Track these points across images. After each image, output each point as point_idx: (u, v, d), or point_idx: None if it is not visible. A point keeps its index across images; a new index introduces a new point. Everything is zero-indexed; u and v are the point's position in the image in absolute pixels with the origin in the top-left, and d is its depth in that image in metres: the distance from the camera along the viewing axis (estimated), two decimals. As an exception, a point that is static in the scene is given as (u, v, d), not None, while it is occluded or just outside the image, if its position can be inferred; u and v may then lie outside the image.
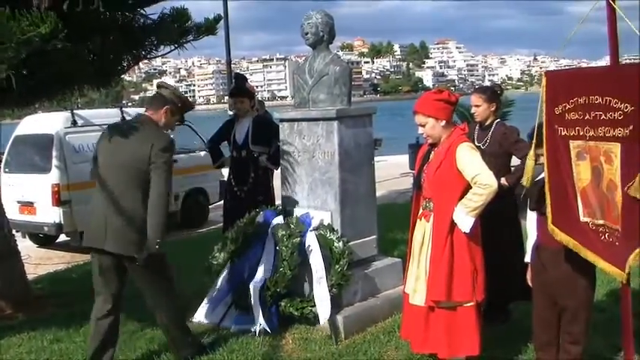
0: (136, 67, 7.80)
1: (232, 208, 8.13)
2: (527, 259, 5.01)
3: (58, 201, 11.14)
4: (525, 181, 4.57)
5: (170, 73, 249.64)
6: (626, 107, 3.79)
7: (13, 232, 8.39)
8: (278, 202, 7.55)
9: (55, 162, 11.29)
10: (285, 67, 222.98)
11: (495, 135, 6.29)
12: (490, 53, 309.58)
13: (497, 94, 6.53)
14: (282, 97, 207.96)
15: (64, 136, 11.37)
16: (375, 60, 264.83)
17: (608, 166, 3.97)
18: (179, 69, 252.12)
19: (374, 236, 6.91)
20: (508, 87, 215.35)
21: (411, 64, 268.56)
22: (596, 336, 5.43)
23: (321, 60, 6.78)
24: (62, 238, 11.98)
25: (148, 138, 5.22)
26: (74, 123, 11.65)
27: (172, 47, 7.21)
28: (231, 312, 6.62)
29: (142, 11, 7.21)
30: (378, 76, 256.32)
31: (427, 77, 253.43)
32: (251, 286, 6.32)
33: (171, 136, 5.49)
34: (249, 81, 9.32)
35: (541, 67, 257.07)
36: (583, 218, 4.20)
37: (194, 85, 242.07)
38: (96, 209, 5.45)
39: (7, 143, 12.40)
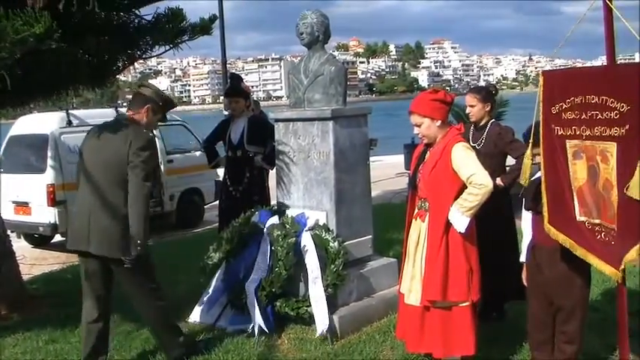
0: (131, 67, 7.78)
1: (228, 208, 8.13)
2: (523, 258, 5.02)
3: (53, 201, 11.13)
4: (523, 180, 4.58)
5: (165, 73, 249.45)
6: (623, 107, 3.80)
7: (8, 232, 8.37)
8: (273, 202, 7.55)
9: (50, 162, 11.28)
10: (281, 67, 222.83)
11: (490, 135, 6.29)
12: (485, 53, 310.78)
13: (491, 94, 6.54)
14: (278, 97, 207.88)
15: (59, 136, 11.35)
16: (370, 60, 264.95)
17: (604, 165, 3.98)
18: (174, 69, 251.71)
19: (369, 236, 6.90)
20: (503, 87, 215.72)
21: (406, 64, 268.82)
22: (591, 335, 5.44)
23: (316, 60, 6.78)
24: (57, 238, 11.94)
25: (126, 136, 5.19)
26: (69, 123, 11.64)
27: (167, 47, 7.20)
28: (226, 312, 6.61)
29: (137, 12, 7.20)
30: (373, 76, 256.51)
31: (422, 77, 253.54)
32: (246, 286, 6.32)
33: (151, 134, 5.44)
34: (244, 81, 9.31)
35: (536, 67, 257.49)
36: (579, 217, 4.21)
37: (189, 85, 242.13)
38: (79, 210, 5.44)
39: (2, 143, 12.39)
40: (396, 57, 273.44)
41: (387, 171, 19.88)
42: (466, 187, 4.75)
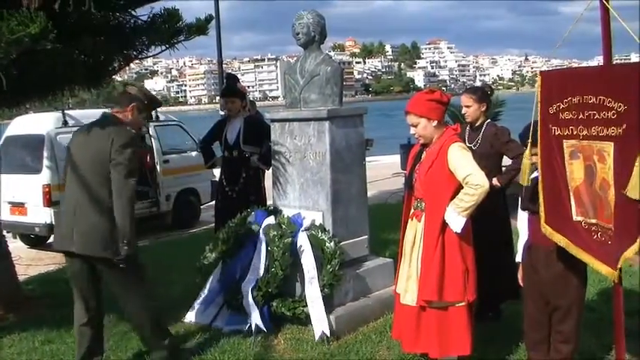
0: (127, 68, 7.77)
1: (224, 208, 8.12)
2: (518, 258, 5.02)
3: (49, 201, 11.12)
4: (523, 180, 4.58)
5: (161, 73, 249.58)
6: (620, 106, 3.80)
7: (4, 232, 8.36)
8: (270, 202, 7.54)
9: (46, 162, 11.28)
10: (277, 67, 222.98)
11: (486, 135, 6.29)
12: (481, 53, 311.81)
13: (487, 95, 6.54)
14: (274, 98, 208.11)
15: (55, 137, 11.34)
16: (366, 60, 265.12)
17: (601, 165, 3.98)
18: (170, 69, 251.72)
19: (365, 236, 6.91)
20: (499, 87, 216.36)
21: (402, 64, 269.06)
22: (586, 335, 5.46)
23: (312, 60, 6.78)
24: (53, 238, 11.92)
25: (109, 134, 5.15)
26: (65, 123, 11.63)
27: (164, 47, 7.19)
28: (222, 312, 6.61)
29: (133, 12, 7.19)
30: (369, 77, 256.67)
31: (419, 77, 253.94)
32: (243, 287, 6.32)
33: (134, 132, 5.41)
34: (240, 81, 9.31)
35: (532, 68, 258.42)
36: (576, 217, 4.22)
37: (185, 86, 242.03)
38: (65, 209, 5.42)
39: (-2, 143, 12.37)
40: (392, 57, 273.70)
41: (383, 171, 19.88)
42: (462, 188, 4.75)
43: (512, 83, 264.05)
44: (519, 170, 6.11)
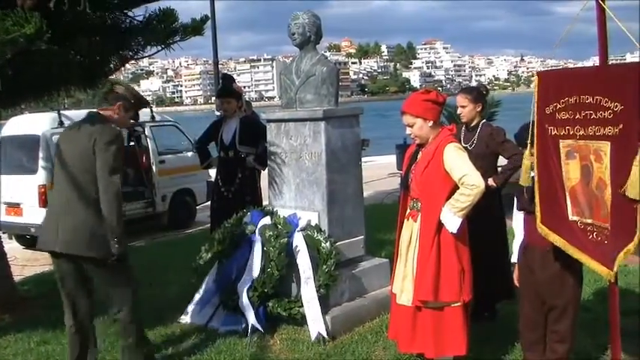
0: (123, 68, 7.76)
1: (219, 208, 8.13)
2: (514, 259, 5.03)
3: (44, 202, 11.06)
4: (524, 180, 4.57)
5: (157, 73, 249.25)
6: (616, 106, 3.82)
7: (0, 233, 8.35)
8: (265, 202, 7.54)
9: (41, 163, 11.25)
10: (273, 67, 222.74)
11: (482, 136, 6.29)
12: (477, 54, 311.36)
13: (483, 95, 6.54)
14: (270, 98, 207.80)
15: (51, 137, 11.28)
16: (362, 60, 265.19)
17: (597, 164, 3.99)
18: (166, 69, 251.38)
19: (361, 237, 6.91)
20: (495, 87, 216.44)
21: (398, 64, 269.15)
22: (582, 335, 5.46)
23: (308, 60, 6.78)
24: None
25: (92, 133, 5.10)
26: (61, 123, 11.57)
27: (159, 48, 7.18)
28: (218, 313, 6.61)
29: (128, 12, 7.18)
30: (365, 77, 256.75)
31: (414, 78, 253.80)
32: (239, 287, 6.32)
33: (118, 129, 5.38)
34: (236, 81, 9.31)
35: (528, 68, 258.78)
36: (572, 217, 4.23)
37: (181, 86, 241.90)
38: (50, 209, 5.40)
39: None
40: (387, 57, 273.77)
41: (379, 171, 19.89)
42: (458, 188, 4.75)
43: (508, 83, 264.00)
44: (515, 170, 6.16)
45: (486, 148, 6.25)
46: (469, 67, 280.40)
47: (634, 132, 3.73)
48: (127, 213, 12.38)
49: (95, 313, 5.57)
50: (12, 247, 11.22)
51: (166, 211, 13.56)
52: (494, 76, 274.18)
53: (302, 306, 6.16)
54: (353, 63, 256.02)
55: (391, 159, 19.82)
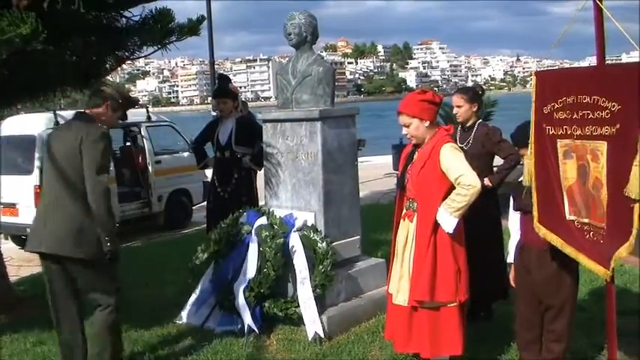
0: (119, 68, 7.75)
1: (215, 208, 8.12)
2: (509, 259, 5.03)
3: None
4: (526, 181, 4.57)
5: (153, 73, 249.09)
6: (614, 106, 3.82)
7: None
8: (262, 202, 7.54)
9: (37, 163, 11.23)
10: (269, 67, 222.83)
11: (478, 136, 6.30)
12: (473, 54, 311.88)
13: (478, 95, 6.55)
14: (266, 98, 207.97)
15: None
16: (358, 61, 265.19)
17: (594, 164, 4.00)
18: (162, 70, 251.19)
19: (358, 237, 6.91)
20: (491, 87, 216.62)
21: (394, 64, 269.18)
22: (577, 335, 5.47)
23: (304, 61, 6.78)
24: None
25: (79, 132, 5.09)
26: (57, 124, 11.53)
27: (155, 48, 7.16)
28: (215, 313, 6.60)
29: (124, 12, 7.17)
30: (361, 77, 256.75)
31: (411, 78, 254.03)
32: (235, 287, 6.32)
33: (105, 127, 5.36)
34: (232, 82, 9.31)
35: (524, 68, 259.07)
36: (569, 217, 4.24)
37: (177, 86, 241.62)
38: (38, 209, 5.40)
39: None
40: (384, 58, 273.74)
41: (375, 171, 19.87)
42: (454, 188, 4.76)
43: (504, 83, 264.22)
44: (511, 170, 6.16)
45: (482, 148, 6.26)
46: (465, 67, 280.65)
47: (631, 132, 3.73)
48: (123, 213, 12.42)
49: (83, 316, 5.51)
50: (8, 247, 11.19)
51: (162, 211, 13.56)
52: (490, 76, 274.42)
53: (298, 306, 6.15)
54: (349, 63, 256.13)
55: (387, 159, 19.82)
